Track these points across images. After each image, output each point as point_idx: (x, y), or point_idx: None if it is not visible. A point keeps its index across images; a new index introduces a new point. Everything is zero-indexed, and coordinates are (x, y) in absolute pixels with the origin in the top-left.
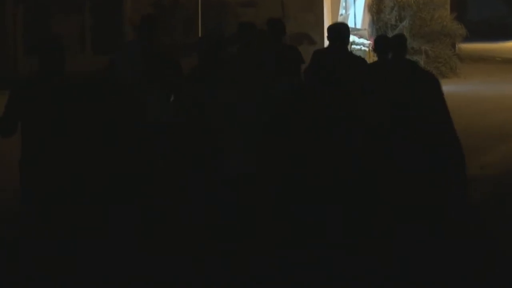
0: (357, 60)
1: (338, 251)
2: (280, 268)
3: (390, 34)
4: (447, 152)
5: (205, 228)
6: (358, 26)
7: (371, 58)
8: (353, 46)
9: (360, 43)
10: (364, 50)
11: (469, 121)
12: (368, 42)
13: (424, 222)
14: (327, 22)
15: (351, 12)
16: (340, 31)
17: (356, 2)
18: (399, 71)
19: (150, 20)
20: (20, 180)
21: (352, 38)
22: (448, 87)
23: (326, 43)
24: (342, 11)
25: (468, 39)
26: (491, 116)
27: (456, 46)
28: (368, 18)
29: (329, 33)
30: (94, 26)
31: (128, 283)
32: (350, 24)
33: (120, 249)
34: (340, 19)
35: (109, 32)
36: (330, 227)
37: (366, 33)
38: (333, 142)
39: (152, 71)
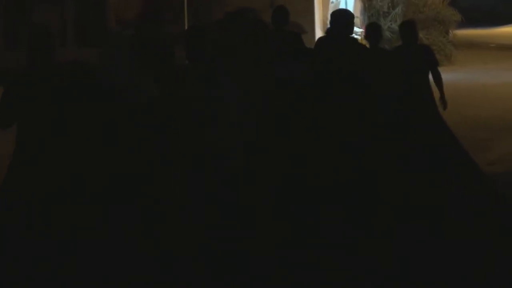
0: (356, 48)
1: (338, 251)
2: (280, 268)
3: (383, 22)
4: (447, 152)
5: (205, 228)
6: None
7: None
8: None
9: None
10: (356, 39)
11: (470, 112)
12: (360, 30)
13: (424, 222)
14: (318, 10)
15: None
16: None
17: None
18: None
19: (156, 14)
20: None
21: None
22: (445, 76)
23: (317, 31)
24: None
25: (460, 25)
26: (492, 106)
27: (450, 32)
28: (359, 5)
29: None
30: (76, 17)
31: (128, 283)
32: None
33: (120, 249)
34: (331, 7)
35: (92, 24)
36: (330, 227)
37: (358, 20)
38: (333, 142)
39: (145, 64)
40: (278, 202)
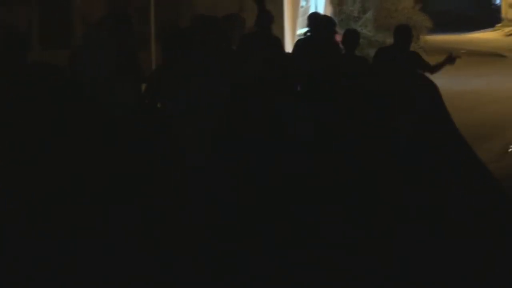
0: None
1: (338, 251)
2: (280, 268)
3: (354, 27)
4: (448, 151)
5: (205, 228)
6: None
7: None
8: None
9: None
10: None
11: None
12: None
13: (424, 222)
14: (287, 14)
15: (312, 3)
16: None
17: None
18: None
19: (128, 17)
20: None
21: None
22: None
23: (287, 36)
24: (303, 2)
25: (430, 31)
26: (466, 116)
27: (420, 38)
28: (329, 10)
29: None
30: (42, 19)
31: (128, 283)
32: None
33: (120, 249)
34: (301, 11)
35: (58, 26)
36: (330, 227)
37: None
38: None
39: (125, 65)
40: (278, 202)
